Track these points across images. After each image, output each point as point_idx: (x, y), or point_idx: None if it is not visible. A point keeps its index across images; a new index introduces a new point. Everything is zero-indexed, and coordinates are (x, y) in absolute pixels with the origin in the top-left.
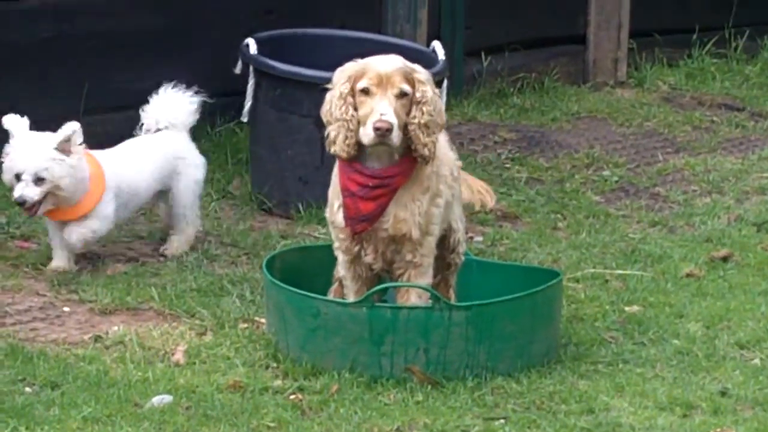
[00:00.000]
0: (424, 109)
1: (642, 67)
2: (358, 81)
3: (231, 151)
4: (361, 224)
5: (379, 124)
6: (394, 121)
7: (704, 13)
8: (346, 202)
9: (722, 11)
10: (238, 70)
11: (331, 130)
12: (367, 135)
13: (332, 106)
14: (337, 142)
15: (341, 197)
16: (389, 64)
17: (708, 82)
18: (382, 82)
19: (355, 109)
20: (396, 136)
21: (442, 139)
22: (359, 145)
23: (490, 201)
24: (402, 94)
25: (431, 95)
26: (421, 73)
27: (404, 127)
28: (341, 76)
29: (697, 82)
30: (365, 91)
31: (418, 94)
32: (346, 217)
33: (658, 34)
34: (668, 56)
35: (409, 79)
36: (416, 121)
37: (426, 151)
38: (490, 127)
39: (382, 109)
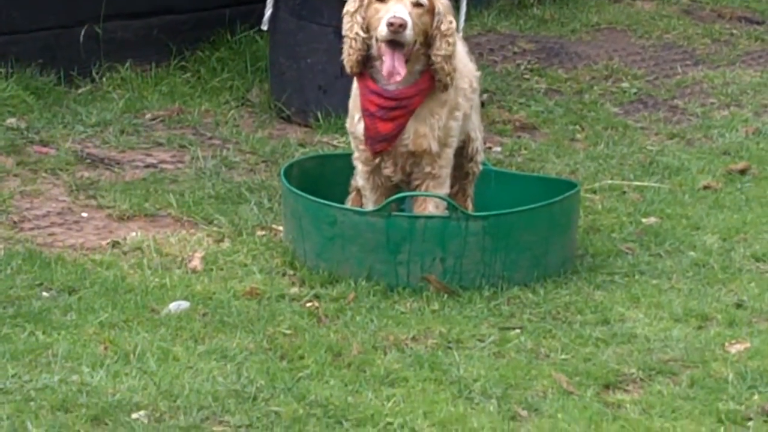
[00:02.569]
0: (450, 40)
1: None
2: None
3: (250, 59)
4: (380, 144)
5: (392, 20)
6: (409, 20)
7: None
8: (365, 122)
9: None
10: None
11: (343, 45)
12: (380, 32)
13: (343, 22)
14: (344, 57)
15: (361, 111)
16: None
17: None
18: None
19: (363, 29)
20: (409, 35)
21: (462, 51)
22: (364, 63)
23: None
24: (418, 4)
25: (454, 26)
26: (441, 0)
27: (424, 43)
28: None
29: None
30: (382, 1)
31: (443, 26)
32: (366, 137)
33: None
34: None
35: None
36: (441, 53)
37: (449, 80)
38: (509, 38)
39: (396, 9)
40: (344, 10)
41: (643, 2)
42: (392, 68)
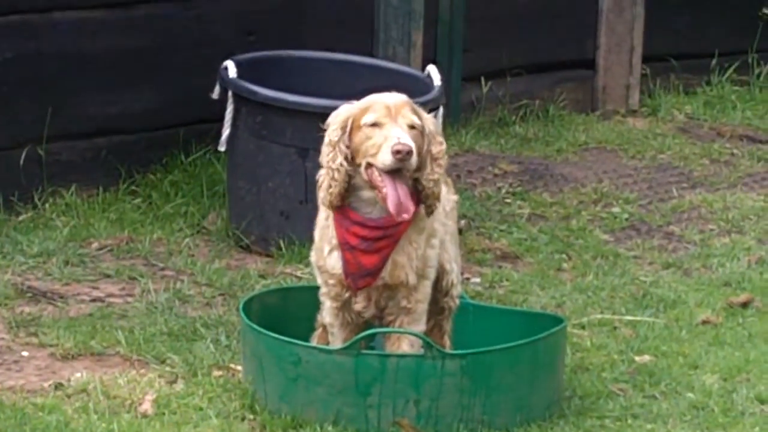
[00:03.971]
0: (441, 162)
1: (656, 94)
2: (359, 119)
3: (207, 183)
4: (364, 279)
5: (398, 147)
6: (413, 144)
7: (725, 37)
8: (345, 257)
9: (745, 35)
10: (215, 95)
11: (319, 176)
12: (383, 161)
13: (322, 151)
14: (321, 189)
15: (332, 243)
16: (395, 97)
17: (728, 111)
18: (391, 113)
19: (348, 158)
20: (414, 162)
21: None
22: (343, 196)
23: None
24: (413, 126)
25: (445, 147)
26: (429, 118)
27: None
28: (334, 121)
29: (716, 112)
30: (374, 125)
31: (434, 148)
32: (347, 273)
33: (673, 59)
34: (685, 83)
35: (417, 114)
36: (433, 177)
37: (436, 204)
38: (489, 159)
39: (398, 134)
40: (325, 140)
41: (635, 120)
42: (399, 203)
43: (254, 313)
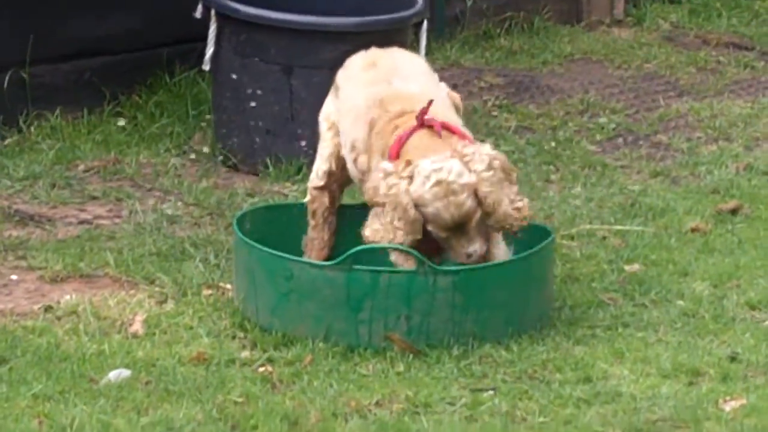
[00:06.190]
0: None
1: (641, 3)
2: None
3: (192, 103)
4: None
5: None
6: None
7: None
8: None
9: None
10: (198, 14)
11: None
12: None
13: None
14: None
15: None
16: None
17: (713, 19)
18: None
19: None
20: None
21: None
22: None
23: None
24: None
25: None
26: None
27: None
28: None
29: (701, 20)
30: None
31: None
32: None
33: None
34: None
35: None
36: None
37: None
38: (475, 72)
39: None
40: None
41: (620, 30)
42: None
43: (244, 230)
